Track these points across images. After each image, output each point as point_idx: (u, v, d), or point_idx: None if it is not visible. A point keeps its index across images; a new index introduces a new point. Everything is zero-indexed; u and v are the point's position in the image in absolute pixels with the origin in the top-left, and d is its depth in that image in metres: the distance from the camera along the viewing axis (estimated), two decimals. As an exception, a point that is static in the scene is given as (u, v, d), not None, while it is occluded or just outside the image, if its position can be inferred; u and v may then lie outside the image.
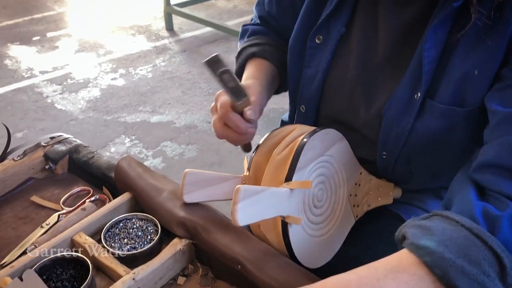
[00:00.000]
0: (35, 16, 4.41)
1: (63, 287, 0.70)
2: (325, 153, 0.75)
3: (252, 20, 1.05)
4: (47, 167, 0.95)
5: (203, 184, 0.80)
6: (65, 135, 0.99)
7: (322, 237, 0.76)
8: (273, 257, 0.70)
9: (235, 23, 4.21)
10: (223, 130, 0.77)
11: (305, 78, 0.85)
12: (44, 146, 0.96)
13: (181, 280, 0.75)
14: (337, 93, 0.83)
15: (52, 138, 0.98)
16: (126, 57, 3.62)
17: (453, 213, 0.56)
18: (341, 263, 0.81)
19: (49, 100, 3.03)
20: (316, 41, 0.82)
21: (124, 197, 0.83)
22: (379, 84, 0.76)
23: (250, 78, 0.87)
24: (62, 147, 0.96)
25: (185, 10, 3.99)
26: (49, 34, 4.00)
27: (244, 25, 1.05)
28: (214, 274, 0.75)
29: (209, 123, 2.81)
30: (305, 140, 0.71)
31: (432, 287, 0.51)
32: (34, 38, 3.92)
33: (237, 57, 0.98)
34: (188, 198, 0.78)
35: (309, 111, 0.87)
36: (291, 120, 0.96)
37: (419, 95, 0.70)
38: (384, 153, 0.78)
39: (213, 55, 0.77)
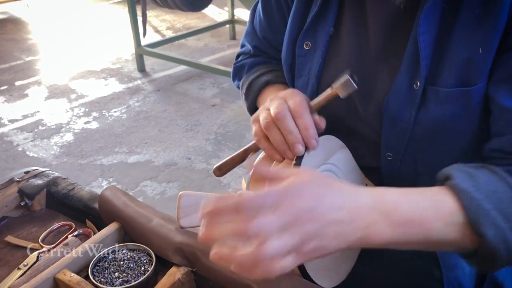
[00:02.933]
0: (2, 66, 4.31)
1: (47, 333, 0.60)
2: (327, 161, 0.70)
3: (239, 57, 0.98)
4: (22, 203, 0.86)
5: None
6: (41, 169, 0.91)
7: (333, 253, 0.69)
8: (285, 277, 0.63)
9: (207, 60, 4.21)
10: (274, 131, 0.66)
11: (298, 88, 0.81)
12: (18, 181, 0.87)
13: (182, 314, 0.67)
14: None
15: (27, 172, 0.90)
16: (98, 100, 3.54)
17: (500, 169, 0.58)
18: (354, 280, 0.75)
19: (20, 149, 2.91)
20: (305, 47, 0.78)
21: (111, 227, 0.75)
22: (375, 79, 0.73)
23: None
24: (38, 181, 0.88)
25: (156, 50, 3.98)
26: (17, 83, 3.90)
27: (235, 63, 0.98)
28: (218, 304, 0.67)
29: (190, 159, 2.74)
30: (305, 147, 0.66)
31: (461, 229, 0.54)
32: (2, 88, 3.81)
33: (247, 93, 0.89)
34: (185, 222, 0.71)
35: None
36: None
37: (418, 84, 0.67)
38: (389, 154, 0.73)
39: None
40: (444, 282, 0.77)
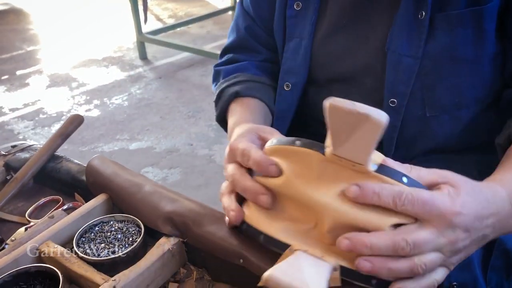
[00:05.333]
0: (3, 56, 4.28)
1: (27, 305, 0.57)
2: None
3: (225, 55, 0.92)
4: (8, 177, 0.82)
5: None
6: (28, 142, 0.88)
7: None
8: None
9: (210, 47, 4.16)
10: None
11: (288, 51, 0.77)
12: (4, 155, 0.84)
13: (172, 286, 0.63)
14: (330, 49, 0.75)
15: (14, 146, 0.87)
16: (100, 88, 3.51)
17: None
18: None
19: (20, 137, 2.89)
20: (295, 7, 0.75)
21: (99, 199, 0.72)
22: (373, 20, 0.69)
23: (240, 122, 0.72)
24: (25, 155, 0.84)
25: (158, 38, 3.93)
26: (18, 72, 3.87)
27: (215, 66, 0.92)
28: (211, 276, 0.63)
29: (192, 145, 2.70)
30: None
31: None
32: (3, 77, 3.79)
33: (216, 101, 0.85)
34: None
35: (297, 85, 0.79)
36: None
37: (423, 13, 0.63)
38: (393, 99, 0.68)
39: None
40: None
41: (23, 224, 0.74)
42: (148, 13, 4.19)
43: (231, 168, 0.59)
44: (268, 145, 0.55)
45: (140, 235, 0.65)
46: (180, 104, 3.17)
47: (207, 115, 2.99)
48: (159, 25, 4.76)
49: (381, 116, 0.42)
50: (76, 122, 0.87)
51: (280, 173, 0.52)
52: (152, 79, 3.63)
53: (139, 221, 0.67)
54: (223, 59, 0.91)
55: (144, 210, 0.67)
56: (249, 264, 0.57)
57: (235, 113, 0.78)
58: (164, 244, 0.63)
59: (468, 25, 0.61)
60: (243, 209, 0.57)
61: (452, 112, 0.67)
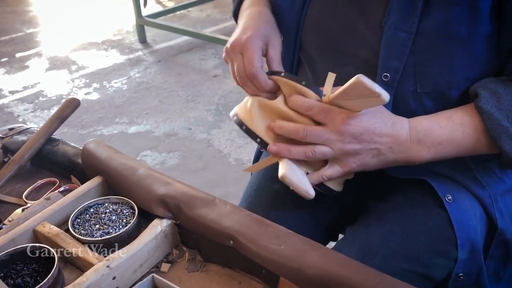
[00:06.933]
0: (3, 38, 4.26)
1: (24, 283, 0.59)
2: None
3: None
4: (6, 159, 0.84)
5: None
6: (26, 125, 0.89)
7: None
8: (269, 227, 0.61)
9: (210, 31, 4.14)
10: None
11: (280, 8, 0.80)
12: (2, 138, 0.85)
13: (165, 267, 0.65)
14: (330, 20, 0.76)
15: (11, 129, 0.88)
16: (99, 71, 3.50)
17: None
18: (366, 246, 0.72)
19: (20, 119, 2.90)
20: None
21: (94, 181, 0.73)
22: None
23: (255, 5, 0.80)
24: (22, 137, 0.86)
25: (157, 21, 3.91)
26: (18, 55, 3.86)
27: None
28: (202, 257, 0.65)
29: (190, 129, 2.71)
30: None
31: (486, 143, 0.65)
32: (2, 60, 3.78)
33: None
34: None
35: (288, 49, 0.80)
36: None
37: None
38: (386, 74, 0.69)
39: None
40: (458, 244, 0.73)
41: (20, 205, 0.76)
42: (148, -4, 4.17)
43: (237, 65, 0.69)
44: (276, 75, 0.68)
45: (134, 216, 0.67)
46: (179, 88, 3.17)
47: (206, 99, 3.00)
48: (159, 8, 4.73)
49: (387, 97, 0.57)
50: (72, 105, 0.88)
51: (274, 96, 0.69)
52: (151, 62, 3.62)
53: (133, 203, 0.68)
54: None
55: (138, 193, 0.68)
56: (239, 246, 0.59)
57: (247, 10, 0.82)
58: (157, 226, 0.64)
59: (463, 3, 0.62)
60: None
61: (443, 90, 0.68)
